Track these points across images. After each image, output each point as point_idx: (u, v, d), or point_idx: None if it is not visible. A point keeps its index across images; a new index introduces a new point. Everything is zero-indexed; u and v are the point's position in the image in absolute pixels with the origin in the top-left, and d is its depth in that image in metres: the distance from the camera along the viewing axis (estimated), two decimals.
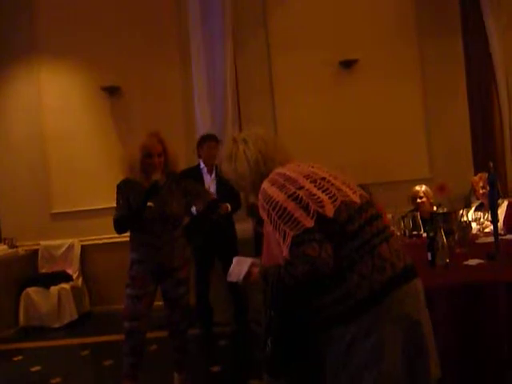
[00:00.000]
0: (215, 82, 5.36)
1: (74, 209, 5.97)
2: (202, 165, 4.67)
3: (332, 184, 1.71)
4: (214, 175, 4.64)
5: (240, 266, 1.85)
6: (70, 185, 5.98)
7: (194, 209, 4.07)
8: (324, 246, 1.58)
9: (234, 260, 1.88)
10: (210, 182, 4.60)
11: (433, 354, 1.70)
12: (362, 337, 1.61)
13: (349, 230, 1.64)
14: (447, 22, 5.63)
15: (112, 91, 5.91)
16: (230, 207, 4.34)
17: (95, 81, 5.91)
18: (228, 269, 4.69)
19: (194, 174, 4.53)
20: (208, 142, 4.64)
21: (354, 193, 1.74)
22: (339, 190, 1.70)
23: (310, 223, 1.59)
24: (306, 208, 1.62)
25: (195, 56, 5.40)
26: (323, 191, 1.67)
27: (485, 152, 5.43)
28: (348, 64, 5.70)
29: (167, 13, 5.88)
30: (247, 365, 3.98)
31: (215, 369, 3.91)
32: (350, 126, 5.70)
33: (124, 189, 3.24)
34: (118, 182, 3.29)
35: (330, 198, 1.66)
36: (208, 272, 4.65)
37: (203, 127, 5.28)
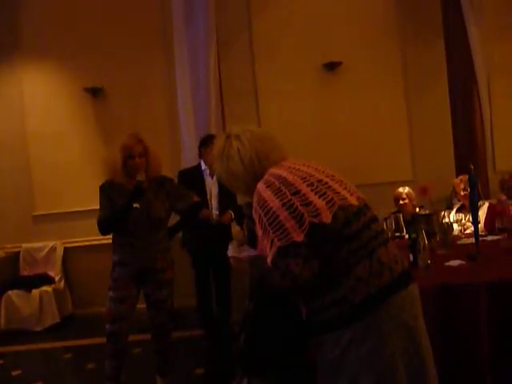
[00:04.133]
0: (199, 84, 5.34)
1: (56, 211, 5.92)
2: (204, 166, 4.41)
3: (329, 186, 1.65)
4: (215, 178, 4.35)
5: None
6: (52, 186, 5.92)
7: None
8: (308, 263, 1.54)
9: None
10: (212, 185, 4.40)
11: (431, 361, 1.68)
12: (358, 342, 1.57)
13: (345, 234, 1.60)
14: (429, 25, 5.68)
15: (95, 92, 5.87)
16: (233, 215, 4.09)
17: (78, 81, 5.86)
18: (221, 276, 4.56)
19: (195, 174, 4.36)
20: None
21: (352, 194, 1.69)
22: (337, 192, 1.64)
23: (299, 237, 1.54)
24: (299, 219, 1.56)
25: (179, 57, 5.38)
26: (320, 196, 1.61)
27: (466, 154, 5.48)
28: (332, 66, 5.73)
29: (151, 13, 5.86)
30: (231, 367, 3.96)
31: (199, 371, 3.89)
32: (333, 128, 5.73)
33: (107, 190, 3.22)
34: (100, 183, 3.27)
35: (327, 203, 1.60)
36: (208, 279, 4.51)
37: (187, 129, 5.27)
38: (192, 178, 4.26)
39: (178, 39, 5.39)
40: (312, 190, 1.62)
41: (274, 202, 1.60)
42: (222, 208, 4.31)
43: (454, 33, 5.52)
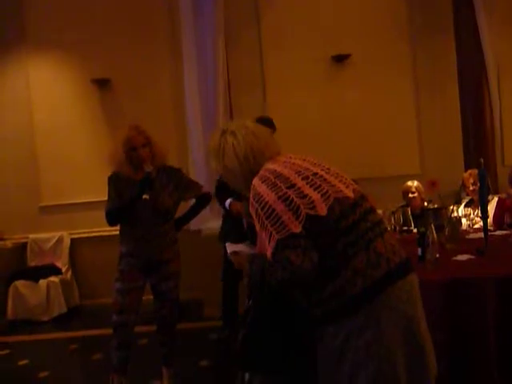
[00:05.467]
0: (206, 77, 5.32)
1: (63, 202, 5.94)
2: None
3: (324, 179, 1.66)
4: None
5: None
6: (59, 177, 5.94)
7: (228, 202, 3.89)
8: (308, 254, 1.54)
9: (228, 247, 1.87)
10: None
11: (430, 350, 1.68)
12: (357, 334, 1.57)
13: (342, 226, 1.60)
14: (439, 18, 5.64)
15: (102, 84, 5.86)
16: None
17: (85, 73, 5.87)
18: None
19: None
20: None
21: (348, 187, 1.69)
22: (332, 185, 1.65)
23: (297, 228, 1.55)
24: (295, 211, 1.57)
25: (186, 49, 5.36)
26: (315, 189, 1.62)
27: (475, 149, 5.45)
28: (340, 59, 5.70)
29: (159, 5, 5.84)
30: (236, 359, 3.96)
31: (204, 363, 3.90)
32: (341, 121, 5.70)
33: (115, 181, 3.21)
34: (107, 174, 3.26)
35: (322, 195, 1.61)
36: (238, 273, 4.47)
37: (194, 122, 5.25)
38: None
39: (185, 31, 5.36)
40: (307, 184, 1.63)
41: (270, 196, 1.61)
42: None
43: (465, 26, 5.48)
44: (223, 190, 3.78)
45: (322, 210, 1.59)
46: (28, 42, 5.95)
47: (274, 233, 1.57)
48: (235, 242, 4.27)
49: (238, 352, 1.78)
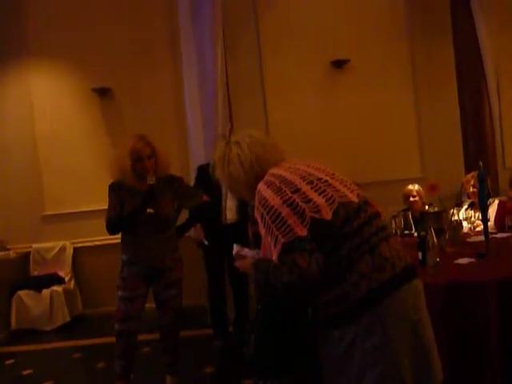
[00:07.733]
0: (206, 83, 5.33)
1: (65, 211, 5.94)
2: None
3: (329, 184, 1.68)
4: None
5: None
6: (61, 187, 5.94)
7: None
8: (315, 256, 1.55)
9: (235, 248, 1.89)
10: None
11: (435, 354, 1.68)
12: (362, 337, 1.58)
13: (347, 231, 1.62)
14: (438, 22, 5.65)
15: (102, 92, 5.88)
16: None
17: (85, 82, 5.88)
18: (237, 277, 4.31)
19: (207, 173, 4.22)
20: None
21: (352, 192, 1.71)
22: (337, 190, 1.67)
23: (302, 231, 1.57)
24: (300, 215, 1.59)
25: (186, 57, 5.38)
26: (320, 193, 1.64)
27: (476, 151, 5.45)
28: (339, 64, 5.71)
29: (158, 13, 5.86)
30: (241, 365, 3.95)
31: (208, 370, 3.90)
32: (341, 126, 5.71)
33: (117, 190, 3.22)
34: (109, 183, 3.28)
35: (326, 200, 1.63)
36: (222, 278, 4.41)
37: (194, 128, 5.26)
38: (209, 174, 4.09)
39: (184, 39, 5.38)
40: (312, 188, 1.65)
41: (275, 200, 1.63)
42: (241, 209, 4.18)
43: (463, 30, 5.49)
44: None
45: (327, 214, 1.60)
46: (29, 51, 5.97)
47: (279, 236, 1.58)
48: (210, 248, 4.17)
49: (250, 357, 1.78)
